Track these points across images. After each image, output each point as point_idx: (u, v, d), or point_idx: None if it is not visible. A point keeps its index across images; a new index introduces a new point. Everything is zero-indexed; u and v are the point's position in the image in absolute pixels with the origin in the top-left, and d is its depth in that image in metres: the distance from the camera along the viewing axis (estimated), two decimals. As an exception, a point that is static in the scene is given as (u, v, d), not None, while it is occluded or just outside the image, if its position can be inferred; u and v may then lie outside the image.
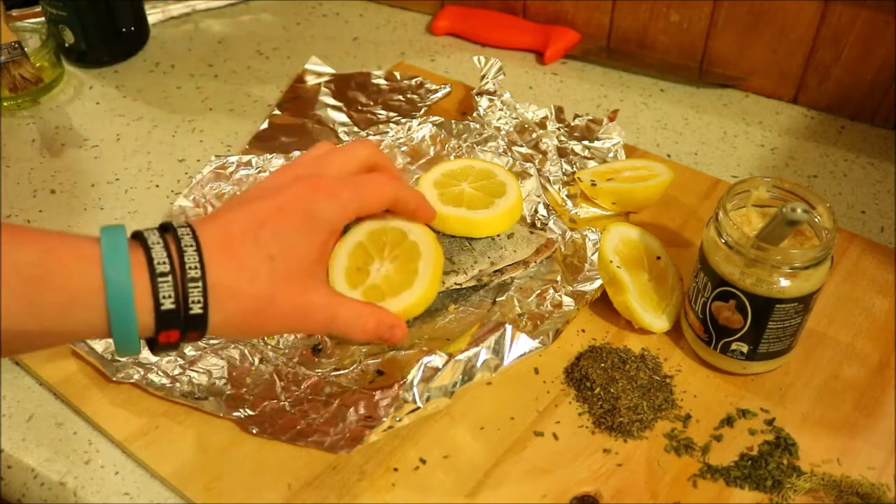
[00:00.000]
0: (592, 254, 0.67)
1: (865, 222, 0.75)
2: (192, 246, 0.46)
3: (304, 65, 0.93)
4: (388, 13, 1.06)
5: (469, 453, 0.56)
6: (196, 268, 0.45)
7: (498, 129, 0.80)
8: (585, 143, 0.79)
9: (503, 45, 0.99)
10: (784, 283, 0.55)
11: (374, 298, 0.55)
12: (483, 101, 0.82)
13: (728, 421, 0.58)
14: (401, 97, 0.87)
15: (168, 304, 0.45)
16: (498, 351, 0.55)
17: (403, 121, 0.82)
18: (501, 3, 1.00)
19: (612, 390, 0.59)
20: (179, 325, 0.46)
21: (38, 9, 0.93)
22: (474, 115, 0.81)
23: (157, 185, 0.79)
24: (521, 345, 0.56)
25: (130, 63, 0.96)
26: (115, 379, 0.58)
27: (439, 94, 0.86)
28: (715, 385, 0.60)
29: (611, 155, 0.78)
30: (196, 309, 0.46)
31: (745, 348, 0.58)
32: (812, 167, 0.82)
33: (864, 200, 0.78)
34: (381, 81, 0.89)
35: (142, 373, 0.59)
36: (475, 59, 0.86)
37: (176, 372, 0.59)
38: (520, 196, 0.66)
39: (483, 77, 0.85)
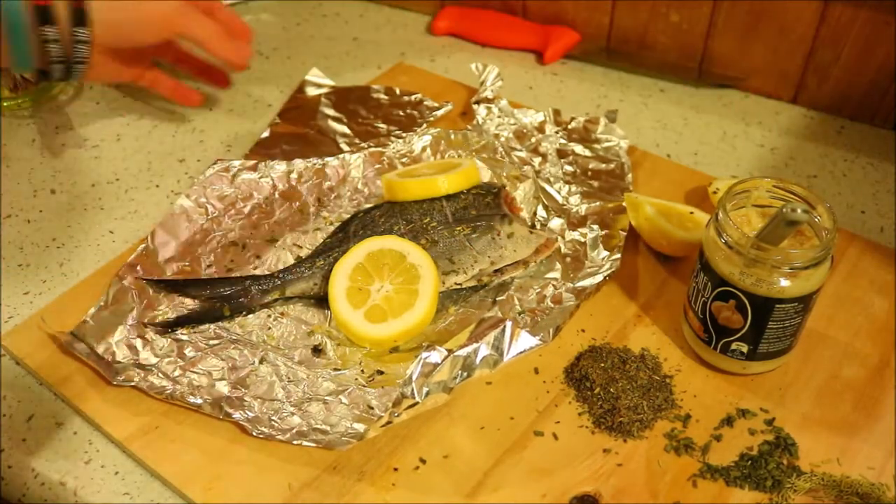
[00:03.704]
0: (593, 249, 0.67)
1: (865, 222, 0.75)
2: None
3: (303, 66, 0.93)
4: (388, 13, 1.06)
5: (469, 453, 0.56)
6: None
7: (497, 135, 0.80)
8: (586, 144, 0.79)
9: (503, 46, 0.99)
10: (784, 283, 0.55)
11: (377, 318, 0.61)
12: (481, 110, 0.82)
13: (728, 421, 0.58)
14: (401, 112, 0.86)
15: None
16: (498, 347, 0.55)
17: (405, 135, 0.82)
18: (501, 3, 1.00)
19: (612, 390, 0.59)
20: None
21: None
22: (473, 123, 0.81)
23: (157, 186, 0.79)
24: (521, 342, 0.56)
25: (130, 63, 0.96)
26: (115, 383, 0.58)
27: (439, 113, 0.86)
28: (715, 385, 0.60)
29: (612, 154, 0.78)
30: None
31: (745, 348, 0.59)
32: (812, 167, 0.82)
33: (864, 200, 0.78)
34: (382, 96, 0.88)
35: (142, 374, 0.59)
36: (473, 66, 0.86)
37: (176, 374, 0.59)
38: (474, 165, 0.71)
39: (481, 84, 0.85)
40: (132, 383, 0.58)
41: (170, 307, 0.64)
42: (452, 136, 0.79)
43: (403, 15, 1.06)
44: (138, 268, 0.66)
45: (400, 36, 1.02)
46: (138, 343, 0.61)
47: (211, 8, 0.79)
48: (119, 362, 0.60)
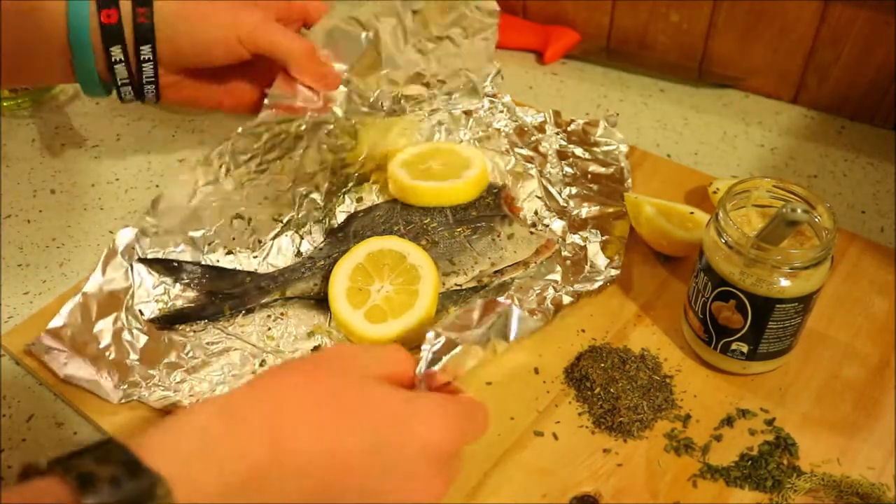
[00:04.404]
0: (594, 255, 0.67)
1: (865, 222, 0.75)
2: None
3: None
4: (388, 13, 1.06)
5: (469, 453, 0.56)
6: None
7: (499, 130, 0.80)
8: (586, 147, 0.79)
9: (503, 45, 0.98)
10: (784, 283, 0.55)
11: (377, 318, 0.61)
12: (484, 103, 0.82)
13: (728, 421, 0.58)
14: None
15: None
16: (502, 331, 0.55)
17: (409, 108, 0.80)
18: (501, 3, 1.00)
19: (612, 390, 0.59)
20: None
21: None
22: (476, 115, 0.81)
23: (157, 185, 0.79)
24: (521, 322, 0.56)
25: (130, 63, 0.96)
26: (116, 402, 0.58)
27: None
28: (715, 385, 0.60)
29: (612, 158, 0.78)
30: None
31: (745, 348, 0.59)
32: (812, 167, 0.82)
33: (864, 200, 0.78)
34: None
35: (143, 385, 0.59)
36: None
37: (177, 380, 0.59)
38: (485, 168, 0.72)
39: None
40: (133, 398, 0.58)
41: (168, 301, 0.64)
42: (458, 124, 0.79)
43: (403, 15, 1.05)
44: (136, 248, 0.65)
45: (400, 36, 1.02)
46: (138, 345, 0.61)
47: (307, 10, 0.68)
48: (119, 369, 0.59)
